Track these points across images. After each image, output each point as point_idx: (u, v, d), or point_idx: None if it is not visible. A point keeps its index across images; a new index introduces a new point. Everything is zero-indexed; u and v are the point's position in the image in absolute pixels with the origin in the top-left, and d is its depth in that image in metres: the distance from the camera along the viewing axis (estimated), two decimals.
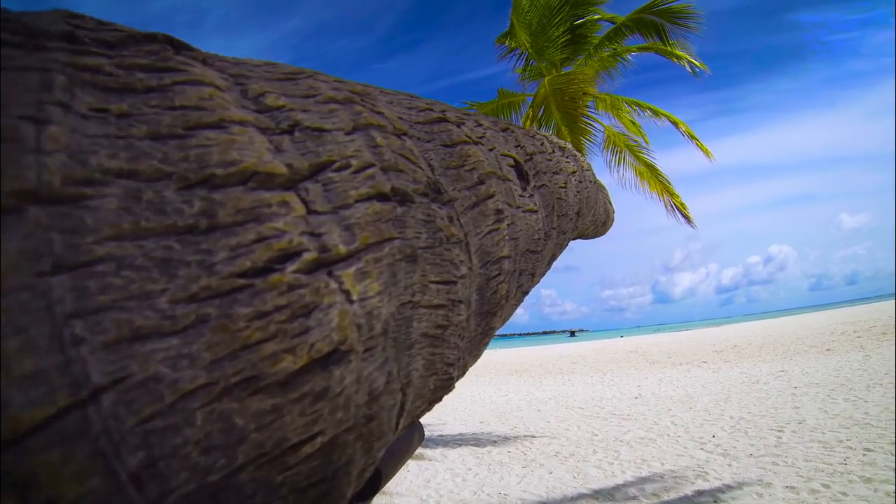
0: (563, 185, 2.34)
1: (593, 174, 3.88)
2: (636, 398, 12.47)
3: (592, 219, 3.74)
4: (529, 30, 8.06)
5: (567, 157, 2.76)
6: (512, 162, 1.82)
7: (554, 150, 2.50)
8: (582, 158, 3.37)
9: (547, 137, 2.77)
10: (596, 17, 8.93)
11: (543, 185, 2.07)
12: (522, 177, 1.88)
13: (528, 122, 8.68)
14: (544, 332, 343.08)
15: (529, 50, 8.48)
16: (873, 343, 16.97)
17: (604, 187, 5.69)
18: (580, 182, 2.85)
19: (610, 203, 5.20)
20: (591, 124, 8.26)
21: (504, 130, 2.00)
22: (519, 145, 2.00)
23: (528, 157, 2.03)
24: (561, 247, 2.45)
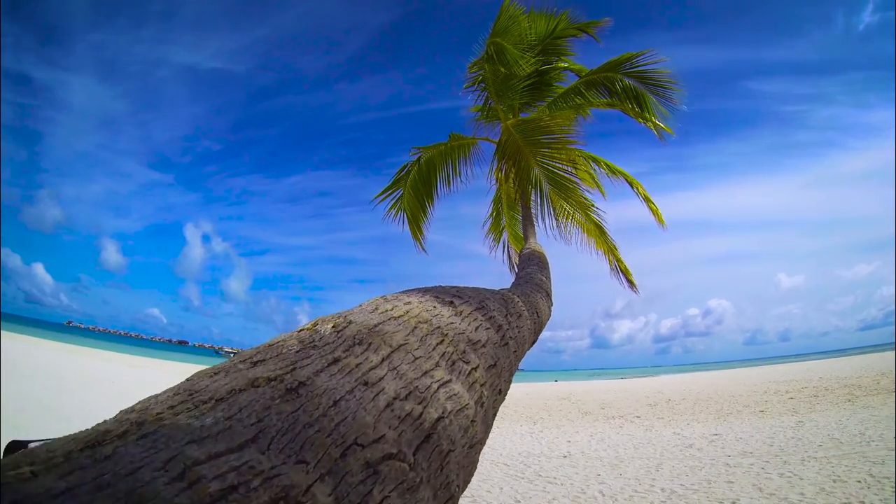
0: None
1: (529, 320, 3.05)
2: (565, 457, 11.65)
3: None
4: (500, 65, 7.26)
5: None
6: None
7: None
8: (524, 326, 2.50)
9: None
10: (563, 65, 8.32)
11: None
12: None
13: (498, 172, 7.92)
14: None
15: (491, 88, 7.71)
16: (806, 406, 16.87)
17: (545, 267, 4.93)
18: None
19: (547, 297, 4.35)
20: (574, 172, 7.49)
21: None
22: None
23: None
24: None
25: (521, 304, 3.03)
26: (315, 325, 1.39)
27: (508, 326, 2.32)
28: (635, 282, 8.63)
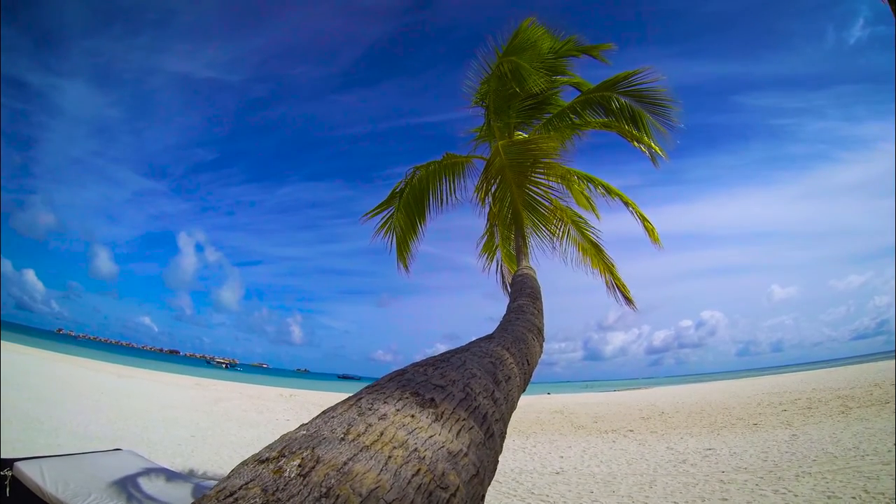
0: None
1: (519, 387, 3.05)
2: (558, 473, 11.52)
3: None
4: (514, 83, 7.12)
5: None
6: None
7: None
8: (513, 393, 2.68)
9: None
10: (564, 79, 8.23)
11: None
12: None
13: (482, 193, 7.83)
14: None
15: (490, 106, 7.62)
16: (799, 419, 16.80)
17: (537, 297, 4.86)
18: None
19: (538, 334, 4.24)
20: (554, 205, 7.38)
21: None
22: None
23: None
24: None
25: (510, 361, 2.97)
26: (281, 454, 1.34)
27: (495, 408, 2.28)
28: (632, 297, 8.59)
